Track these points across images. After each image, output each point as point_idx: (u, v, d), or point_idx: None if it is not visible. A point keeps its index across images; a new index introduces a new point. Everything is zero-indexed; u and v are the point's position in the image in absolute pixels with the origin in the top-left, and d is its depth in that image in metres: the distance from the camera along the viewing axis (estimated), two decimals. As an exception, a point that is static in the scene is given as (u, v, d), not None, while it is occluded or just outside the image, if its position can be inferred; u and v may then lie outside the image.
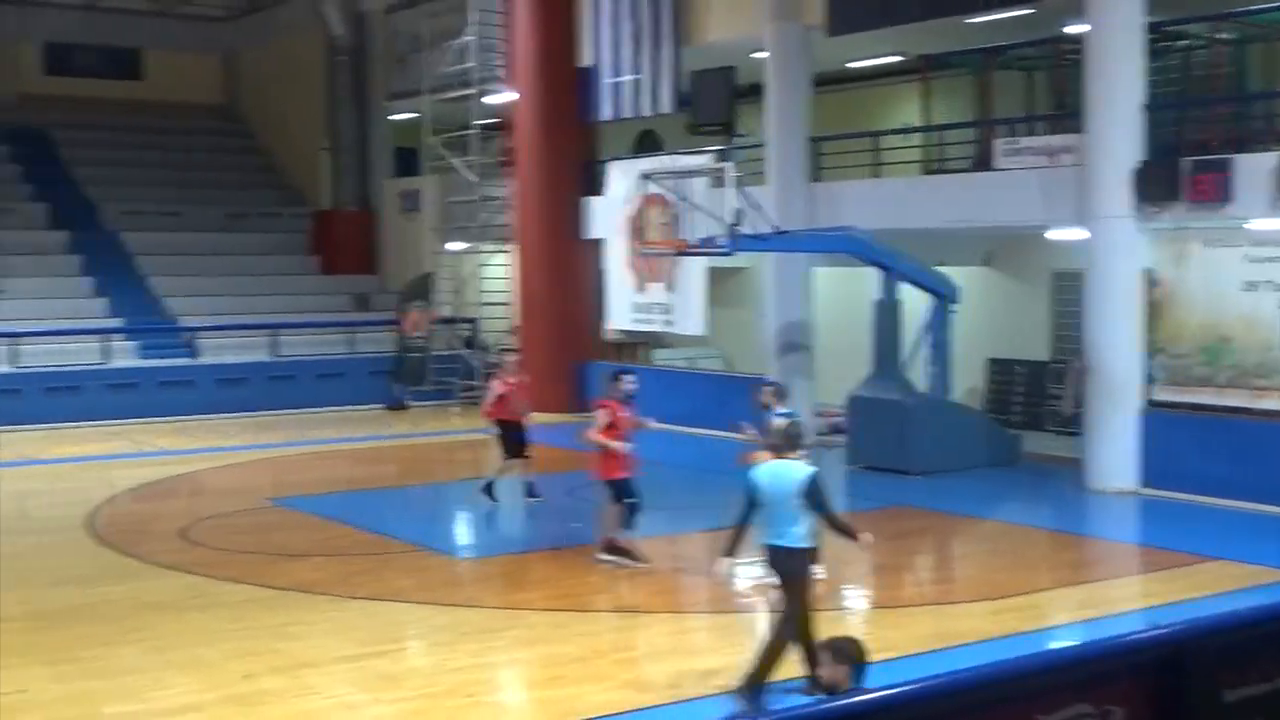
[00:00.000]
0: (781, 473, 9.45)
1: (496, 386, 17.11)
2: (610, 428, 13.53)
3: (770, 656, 9.33)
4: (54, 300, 27.56)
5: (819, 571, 11.63)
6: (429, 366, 27.85)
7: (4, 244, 24.73)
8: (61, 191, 32.04)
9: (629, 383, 13.76)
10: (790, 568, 9.40)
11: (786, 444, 9.68)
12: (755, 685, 9.28)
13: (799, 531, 9.35)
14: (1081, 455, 17.85)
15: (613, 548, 13.73)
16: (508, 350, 19.22)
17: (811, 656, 9.08)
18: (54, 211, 31.03)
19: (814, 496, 9.30)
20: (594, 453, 13.74)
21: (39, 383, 24.68)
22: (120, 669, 10.49)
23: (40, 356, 25.16)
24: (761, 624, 12.30)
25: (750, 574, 13.06)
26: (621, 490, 13.64)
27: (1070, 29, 19.48)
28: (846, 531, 9.55)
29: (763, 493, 9.39)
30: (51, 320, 26.48)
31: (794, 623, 9.36)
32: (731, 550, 9.57)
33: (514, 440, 17.08)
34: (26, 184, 32.17)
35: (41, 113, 34.85)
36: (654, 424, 14.10)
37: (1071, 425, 19.49)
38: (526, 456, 17.17)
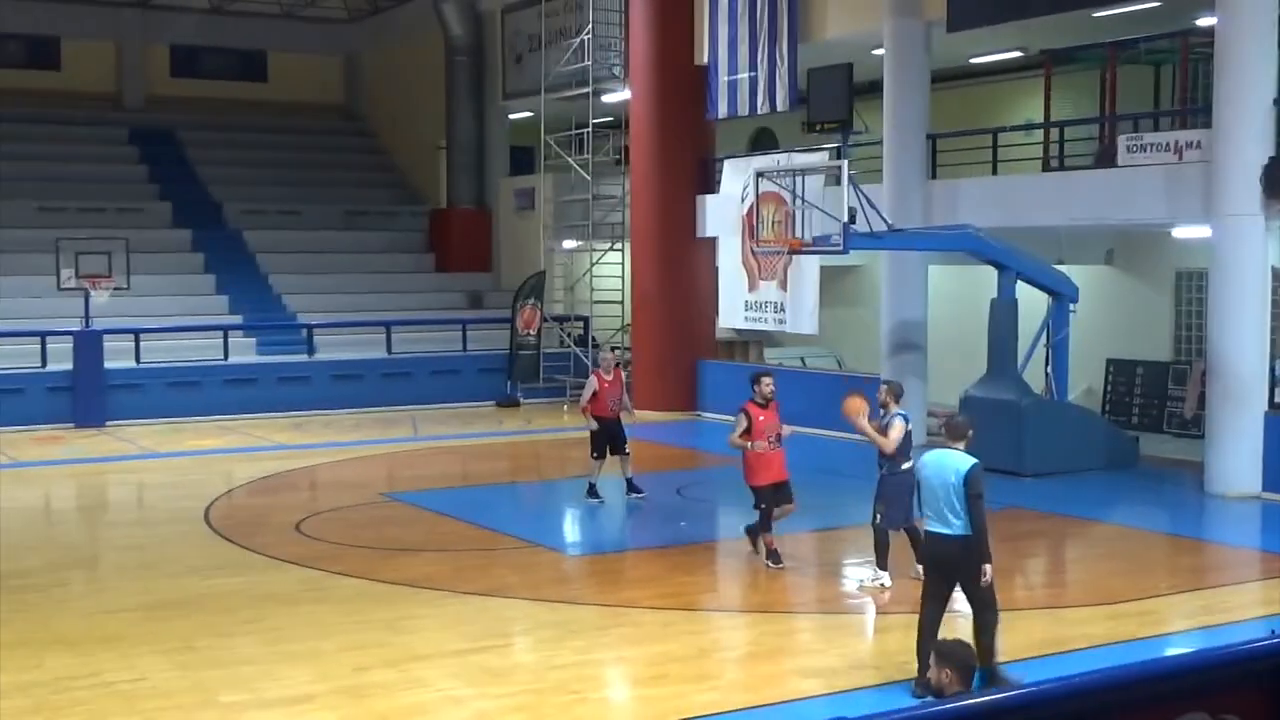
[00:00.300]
0: (945, 462, 9.51)
1: (592, 382, 17.13)
2: (747, 432, 13.41)
3: (987, 639, 9.35)
4: (176, 297, 28.14)
5: (915, 571, 11.54)
6: (541, 364, 27.98)
7: (130, 242, 25.23)
8: (186, 191, 32.75)
9: (768, 385, 13.52)
10: (953, 556, 9.41)
11: (951, 434, 9.76)
12: (988, 668, 9.17)
13: (964, 521, 9.33)
14: (1202, 458, 17.43)
15: (767, 548, 13.51)
16: (614, 347, 19.20)
17: (926, 657, 9.01)
18: (178, 210, 31.70)
19: (973, 488, 9.30)
20: (738, 456, 13.65)
21: (161, 378, 25.17)
22: (236, 659, 10.64)
23: (162, 352, 25.68)
24: (867, 624, 12.18)
25: (861, 575, 12.95)
26: (757, 496, 13.50)
27: (1200, 22, 19.04)
28: (980, 544, 9.38)
29: (928, 482, 9.51)
30: (174, 317, 27.03)
31: (992, 605, 9.43)
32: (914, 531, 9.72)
33: (608, 437, 17.02)
34: (153, 183, 32.95)
35: (168, 114, 35.69)
36: (789, 429, 13.74)
37: (1192, 427, 19.06)
38: (625, 453, 17.15)
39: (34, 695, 9.76)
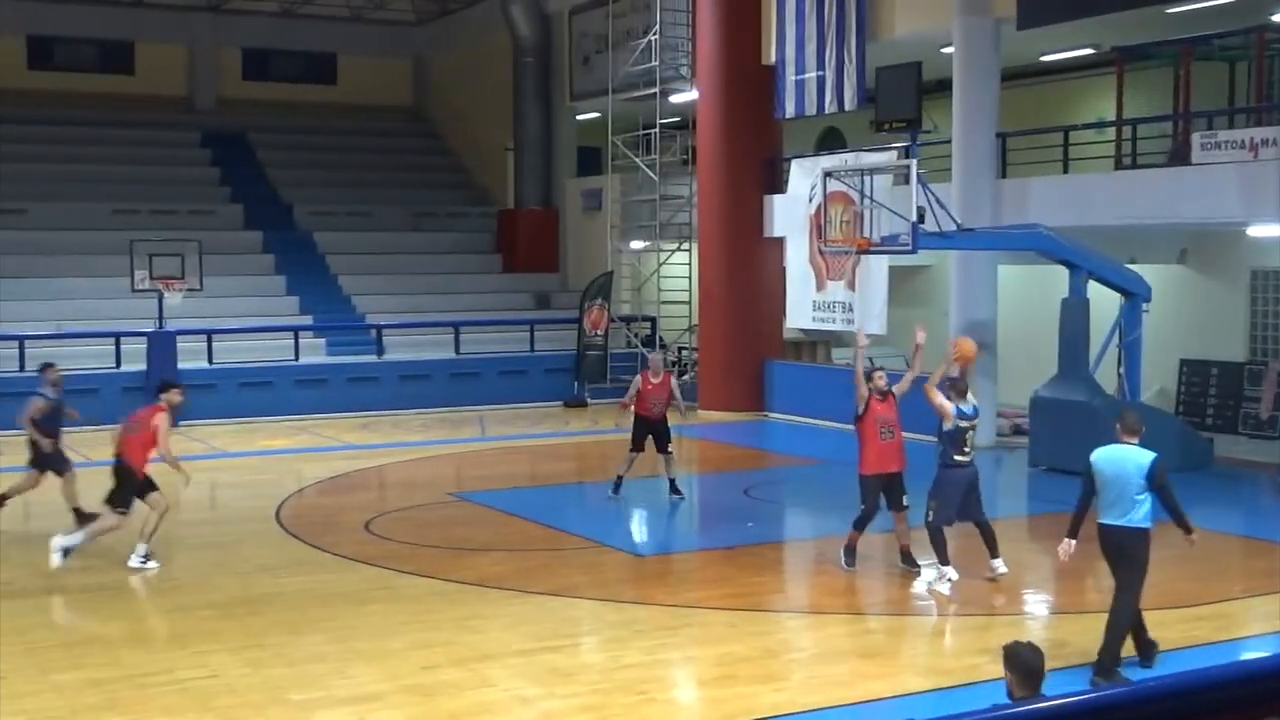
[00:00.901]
0: (1126, 457, 9.84)
1: (636, 382, 17.18)
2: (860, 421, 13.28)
3: (1118, 634, 9.81)
4: (248, 298, 28.43)
5: (1000, 567, 11.58)
6: (609, 364, 28.01)
7: (202, 244, 25.52)
8: (257, 193, 33.09)
9: (881, 378, 13.40)
10: (1132, 547, 9.82)
11: (1127, 430, 10.01)
12: (1109, 664, 9.70)
13: (1142, 513, 9.77)
14: (1277, 460, 17.15)
15: (905, 554, 13.33)
16: (672, 347, 19.22)
17: (1140, 640, 9.97)
18: (249, 212, 32.03)
19: (1159, 480, 9.71)
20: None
21: (233, 378, 25.44)
22: (305, 657, 10.73)
23: (234, 353, 25.96)
24: (936, 626, 12.10)
25: (928, 576, 12.85)
26: (863, 488, 13.35)
27: (1276, 17, 18.74)
28: (1183, 521, 9.95)
29: (1104, 475, 9.82)
30: (245, 318, 27.32)
31: (1134, 599, 9.86)
32: (1075, 531, 10.08)
33: (648, 432, 17.10)
34: (224, 185, 33.31)
35: (239, 116, 36.08)
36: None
37: (1267, 429, 18.78)
38: (668, 454, 17.19)
39: (108, 691, 9.89)
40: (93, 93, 35.07)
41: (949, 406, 12.51)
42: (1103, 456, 9.94)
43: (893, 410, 13.28)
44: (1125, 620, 9.87)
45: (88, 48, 35.77)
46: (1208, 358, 22.39)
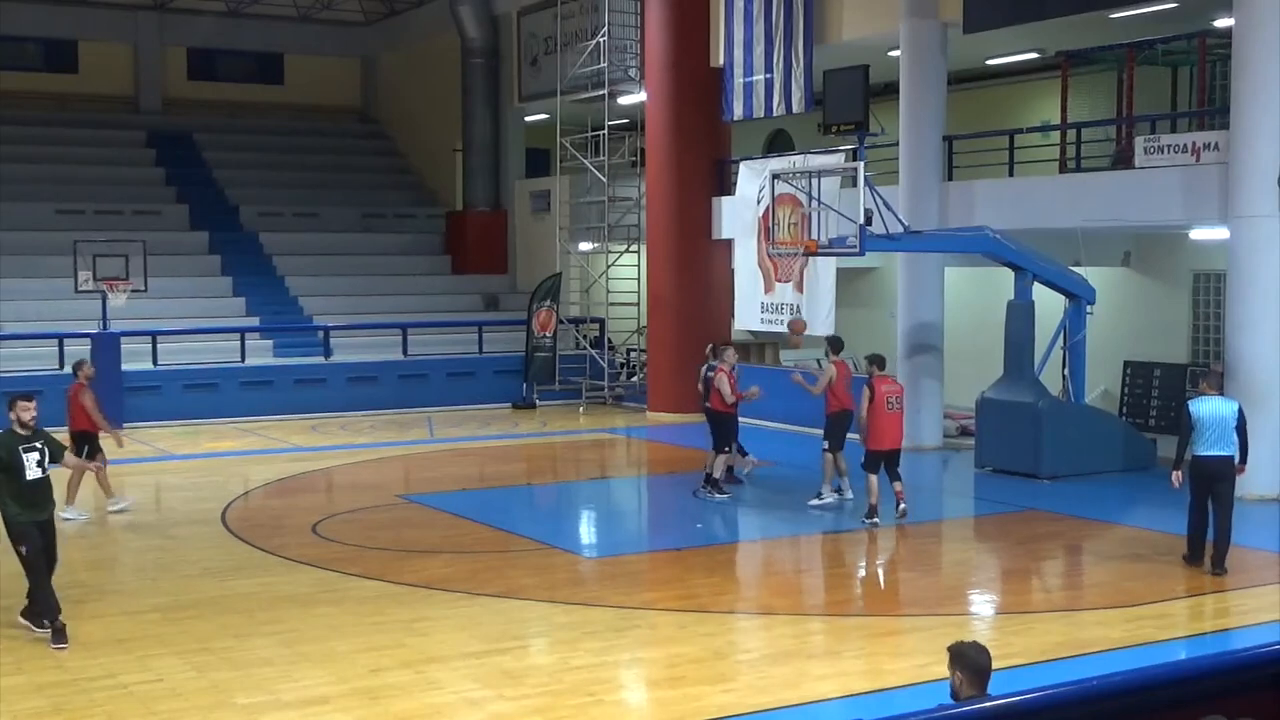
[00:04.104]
0: (1219, 405, 13.21)
1: (723, 379, 17.25)
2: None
3: (1228, 535, 13.24)
4: (193, 299, 28.24)
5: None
6: (557, 366, 27.99)
7: (147, 244, 25.29)
8: (203, 193, 32.86)
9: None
10: (1226, 470, 13.19)
11: (1215, 386, 13.49)
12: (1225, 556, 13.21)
13: (1231, 446, 13.12)
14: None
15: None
16: (723, 343, 19.33)
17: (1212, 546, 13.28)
18: (195, 212, 31.80)
19: (1241, 420, 13.17)
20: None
21: (178, 380, 25.24)
22: (252, 660, 10.67)
23: (179, 355, 25.75)
24: (883, 626, 12.18)
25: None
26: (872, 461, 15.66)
27: (1218, 23, 18.95)
28: (1246, 456, 13.36)
29: (1204, 419, 13.06)
30: (191, 319, 27.12)
31: (1231, 509, 13.29)
32: (1180, 463, 13.48)
33: (729, 430, 17.36)
34: (170, 186, 33.06)
35: (185, 116, 35.84)
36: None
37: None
38: (728, 450, 17.47)
39: (52, 696, 9.80)
40: (36, 92, 34.74)
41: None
42: (1204, 407, 13.15)
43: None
44: (1230, 523, 13.22)
45: (31, 47, 35.41)
46: (1151, 359, 22.63)
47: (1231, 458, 13.14)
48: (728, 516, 17.10)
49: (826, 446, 16.67)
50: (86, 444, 16.54)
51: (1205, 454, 13.13)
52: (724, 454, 17.38)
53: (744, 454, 18.34)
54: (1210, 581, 13.13)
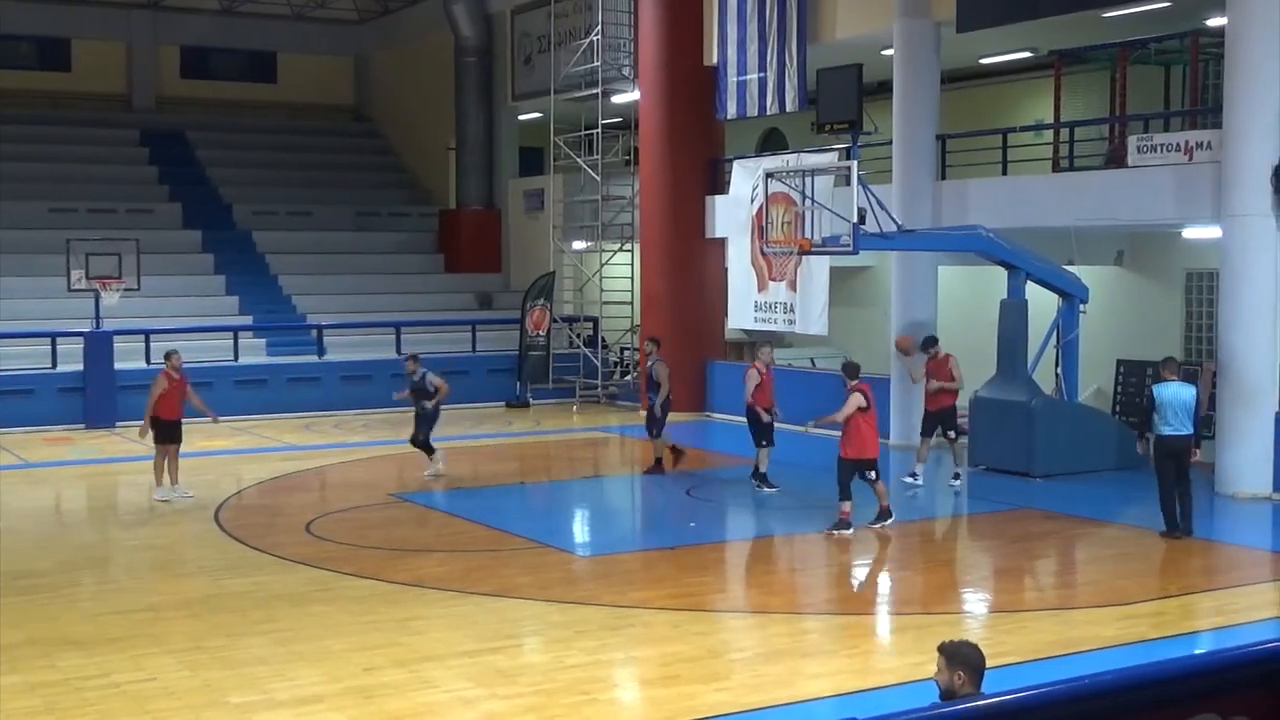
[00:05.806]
0: (1178, 390, 14.61)
1: (754, 376, 17.60)
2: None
3: (1191, 502, 14.75)
4: (186, 298, 28.21)
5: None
6: (551, 365, 27.99)
7: (140, 243, 25.26)
8: (196, 192, 32.84)
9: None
10: (1187, 447, 14.57)
11: (1174, 372, 14.82)
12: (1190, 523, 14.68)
13: (1189, 427, 14.53)
14: (1212, 460, 17.39)
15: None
16: (764, 341, 19.56)
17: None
18: (188, 211, 31.77)
19: (1197, 406, 14.73)
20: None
21: (172, 378, 25.16)
22: (245, 660, 10.65)
23: (173, 353, 25.69)
24: (877, 626, 12.20)
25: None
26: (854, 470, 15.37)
27: (1211, 22, 18.96)
28: (1200, 435, 15.04)
29: (1165, 401, 14.47)
30: (184, 318, 27.08)
31: (1190, 481, 14.73)
32: (1143, 435, 15.09)
33: (760, 428, 17.59)
34: (163, 184, 33.03)
35: (178, 115, 35.80)
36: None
37: (1202, 428, 19.00)
38: (764, 445, 17.67)
39: (44, 695, 9.79)
40: (29, 90, 34.69)
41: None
42: (1165, 390, 14.57)
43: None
44: (1191, 492, 14.67)
45: (24, 45, 35.38)
46: (1144, 358, 22.65)
47: (1190, 437, 14.56)
48: (722, 515, 17.11)
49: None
50: (167, 430, 17.40)
51: (1168, 434, 14.57)
52: (763, 449, 17.63)
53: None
54: (1202, 580, 13.15)
